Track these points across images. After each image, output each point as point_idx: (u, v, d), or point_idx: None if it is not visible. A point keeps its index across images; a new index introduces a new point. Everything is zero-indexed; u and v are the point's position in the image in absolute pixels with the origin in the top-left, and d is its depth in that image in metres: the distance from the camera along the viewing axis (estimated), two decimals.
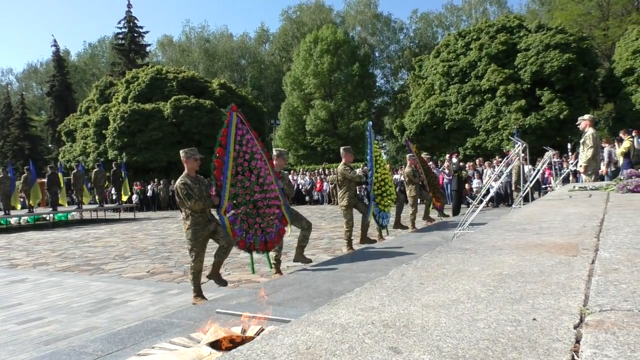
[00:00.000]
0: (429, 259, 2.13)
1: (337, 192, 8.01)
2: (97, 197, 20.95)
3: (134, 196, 25.38)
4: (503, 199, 15.96)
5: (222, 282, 5.45)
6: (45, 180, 19.84)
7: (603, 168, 12.56)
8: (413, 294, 1.55)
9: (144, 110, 27.83)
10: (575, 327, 1.17)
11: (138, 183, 26.61)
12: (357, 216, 7.80)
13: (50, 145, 47.26)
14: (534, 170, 11.97)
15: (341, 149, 8.10)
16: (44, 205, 21.66)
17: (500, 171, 11.87)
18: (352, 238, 7.77)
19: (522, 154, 10.54)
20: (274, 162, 6.40)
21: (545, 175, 15.55)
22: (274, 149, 6.87)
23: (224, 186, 5.53)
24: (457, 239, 3.55)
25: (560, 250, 2.15)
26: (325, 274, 5.22)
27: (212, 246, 5.38)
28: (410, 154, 10.57)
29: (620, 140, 12.52)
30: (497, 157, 19.28)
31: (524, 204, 7.89)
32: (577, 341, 1.09)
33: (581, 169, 8.32)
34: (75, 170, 20.04)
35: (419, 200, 10.38)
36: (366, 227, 7.99)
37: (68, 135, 35.10)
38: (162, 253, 9.32)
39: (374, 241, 8.12)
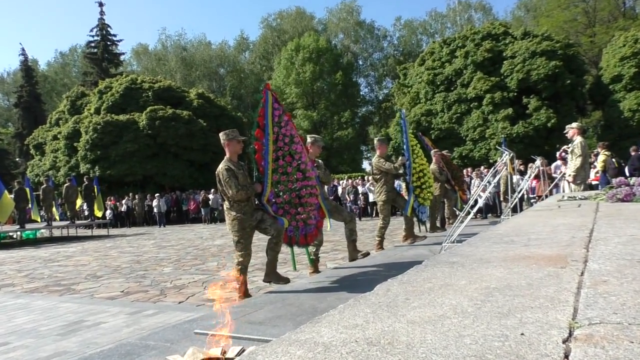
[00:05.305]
0: (414, 273, 2.13)
1: (375, 187, 8.00)
2: (68, 214, 19.89)
3: (108, 212, 24.29)
4: (492, 209, 15.52)
5: (283, 280, 5.15)
6: (12, 196, 18.70)
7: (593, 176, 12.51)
8: (398, 310, 1.54)
9: (117, 122, 27.06)
10: (564, 342, 1.17)
11: (112, 198, 25.63)
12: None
13: (17, 159, 45.51)
14: (522, 180, 12.11)
15: (375, 140, 7.97)
16: (11, 223, 20.44)
17: (488, 181, 11.63)
18: (384, 237, 7.69)
19: (520, 165, 10.53)
20: (309, 149, 6.22)
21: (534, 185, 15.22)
22: (307, 136, 6.57)
23: (266, 172, 5.18)
24: (444, 252, 3.38)
25: (549, 262, 2.14)
26: (309, 291, 5.03)
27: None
28: (436, 150, 10.72)
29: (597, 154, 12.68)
30: (484, 166, 18.91)
31: (512, 215, 7.93)
32: (566, 356, 1.08)
33: (570, 178, 8.34)
34: (44, 185, 19.09)
35: (443, 198, 10.56)
36: (411, 223, 7.95)
37: (37, 149, 33.96)
38: (137, 271, 8.99)
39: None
